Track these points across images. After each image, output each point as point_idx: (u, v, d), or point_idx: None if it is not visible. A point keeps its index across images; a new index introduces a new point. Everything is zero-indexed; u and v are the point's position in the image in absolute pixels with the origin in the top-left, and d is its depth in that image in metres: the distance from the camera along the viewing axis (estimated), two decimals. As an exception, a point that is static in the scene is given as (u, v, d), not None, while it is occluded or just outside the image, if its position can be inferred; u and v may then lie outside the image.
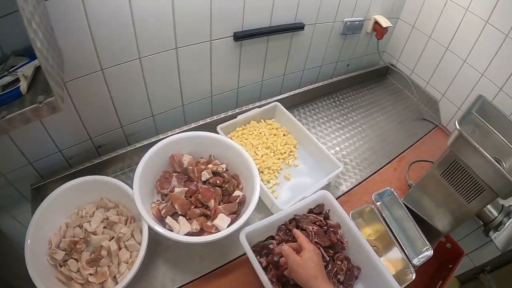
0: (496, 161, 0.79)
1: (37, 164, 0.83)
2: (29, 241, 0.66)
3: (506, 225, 1.24)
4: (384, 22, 1.26)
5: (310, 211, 0.85)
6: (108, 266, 0.71)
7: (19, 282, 0.70)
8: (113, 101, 0.84)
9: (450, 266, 1.37)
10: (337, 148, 1.13)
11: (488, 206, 0.92)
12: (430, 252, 0.89)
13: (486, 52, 1.14)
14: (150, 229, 0.71)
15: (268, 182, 0.93)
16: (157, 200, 0.82)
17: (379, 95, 1.46)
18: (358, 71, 1.43)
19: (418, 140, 1.25)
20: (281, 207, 0.81)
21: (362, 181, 1.05)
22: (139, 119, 0.94)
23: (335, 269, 0.76)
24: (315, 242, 0.76)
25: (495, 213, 0.92)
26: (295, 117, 1.08)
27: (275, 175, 0.95)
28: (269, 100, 1.11)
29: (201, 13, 0.83)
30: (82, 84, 0.76)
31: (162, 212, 0.77)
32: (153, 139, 0.93)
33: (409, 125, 1.31)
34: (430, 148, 1.22)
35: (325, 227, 0.82)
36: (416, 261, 0.88)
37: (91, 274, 0.69)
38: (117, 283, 0.68)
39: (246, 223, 0.75)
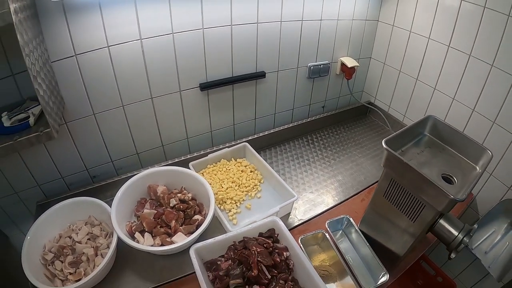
0: (446, 177, 0.91)
1: (43, 187, 1.15)
2: (28, 237, 0.93)
3: (500, 253, 1.28)
4: (350, 63, 1.52)
5: (260, 234, 1.02)
6: (85, 268, 0.95)
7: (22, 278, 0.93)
8: (104, 140, 1.17)
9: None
10: (301, 181, 1.35)
11: (447, 225, 0.94)
12: (386, 277, 1.00)
13: (453, 75, 1.32)
14: (120, 240, 0.95)
15: (230, 211, 1.17)
16: (133, 221, 1.11)
17: (356, 132, 1.68)
18: (332, 111, 1.68)
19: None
20: (231, 228, 1.04)
21: (324, 212, 1.23)
22: (126, 155, 1.26)
23: (277, 287, 0.90)
24: (257, 260, 0.91)
25: (455, 233, 0.92)
26: (266, 155, 1.35)
27: (236, 205, 1.19)
28: (239, 141, 1.39)
29: (169, 70, 1.15)
30: (80, 124, 1.09)
31: (133, 228, 1.03)
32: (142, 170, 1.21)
33: (385, 157, 1.51)
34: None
35: (271, 249, 0.97)
36: (370, 287, 0.99)
37: (70, 273, 0.93)
38: (90, 283, 0.92)
39: (199, 241, 0.97)
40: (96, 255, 1.00)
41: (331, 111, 1.73)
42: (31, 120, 0.89)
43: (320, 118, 1.65)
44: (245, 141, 1.39)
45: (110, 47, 1.02)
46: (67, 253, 0.98)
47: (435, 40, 1.36)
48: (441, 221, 0.91)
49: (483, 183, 1.38)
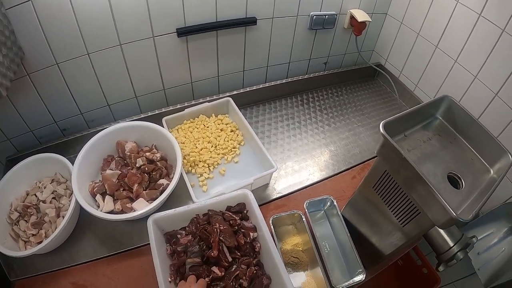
0: (453, 177, 0.74)
1: (14, 141, 1.09)
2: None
3: (493, 258, 1.17)
4: (360, 16, 1.28)
5: (228, 208, 0.94)
6: (47, 230, 0.91)
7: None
8: (70, 91, 1.06)
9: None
10: (287, 147, 1.21)
11: (443, 233, 0.83)
12: (361, 277, 0.89)
13: (480, 50, 1.12)
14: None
15: (201, 175, 1.07)
16: (98, 181, 1.04)
17: (359, 96, 1.48)
18: (336, 70, 1.47)
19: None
20: (195, 199, 0.94)
21: (308, 186, 1.11)
22: (96, 107, 1.15)
23: (237, 272, 0.83)
24: (219, 239, 0.84)
25: (450, 243, 0.81)
26: (253, 112, 1.21)
27: (209, 169, 1.09)
28: (222, 95, 1.24)
29: (139, 12, 0.99)
30: (43, 75, 0.99)
31: (94, 190, 0.97)
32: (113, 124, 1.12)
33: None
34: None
35: (236, 227, 0.89)
36: (340, 285, 0.87)
37: (33, 235, 0.90)
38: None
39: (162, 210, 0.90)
40: (58, 217, 0.95)
41: (334, 69, 1.52)
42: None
43: (321, 75, 1.45)
44: (228, 96, 1.24)
45: (68, -12, 0.87)
46: (31, 213, 0.95)
47: (465, 5, 1.12)
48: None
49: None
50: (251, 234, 0.89)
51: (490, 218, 1.22)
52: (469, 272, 1.41)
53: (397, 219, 0.77)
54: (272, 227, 0.95)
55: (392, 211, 0.78)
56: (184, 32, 1.08)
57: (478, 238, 1.23)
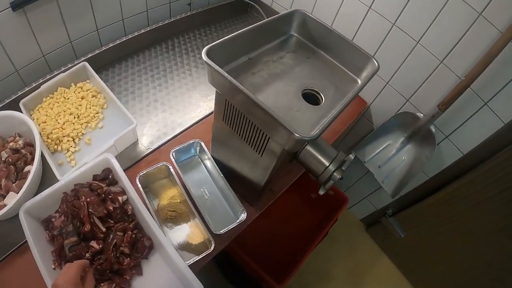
0: (311, 94, 0.71)
1: None
2: None
3: (391, 173, 1.19)
4: None
5: (95, 177, 0.91)
6: None
7: None
8: None
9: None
10: (153, 98, 1.18)
11: (316, 153, 0.73)
12: (243, 216, 0.88)
13: None
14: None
15: (68, 150, 1.04)
16: None
17: (230, 32, 1.40)
18: (203, 8, 1.37)
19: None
20: (59, 176, 0.93)
21: (179, 134, 1.10)
22: None
23: (115, 241, 0.82)
24: (89, 212, 0.82)
25: (326, 163, 0.71)
26: (115, 71, 1.18)
27: (75, 142, 1.06)
28: (77, 61, 1.16)
29: None
30: None
31: None
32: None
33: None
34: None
35: (103, 195, 0.87)
36: (221, 230, 0.86)
37: None
38: None
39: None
40: None
41: (200, 8, 1.40)
42: None
43: (185, 17, 1.35)
44: (84, 60, 1.16)
45: None
46: None
47: None
48: (308, 147, 0.70)
49: (379, 92, 1.22)
50: (120, 198, 0.87)
51: (384, 131, 1.24)
52: (377, 186, 1.46)
53: (253, 149, 0.73)
54: (139, 185, 0.92)
55: (247, 142, 0.74)
56: (18, 4, 0.96)
57: (376, 151, 1.24)
